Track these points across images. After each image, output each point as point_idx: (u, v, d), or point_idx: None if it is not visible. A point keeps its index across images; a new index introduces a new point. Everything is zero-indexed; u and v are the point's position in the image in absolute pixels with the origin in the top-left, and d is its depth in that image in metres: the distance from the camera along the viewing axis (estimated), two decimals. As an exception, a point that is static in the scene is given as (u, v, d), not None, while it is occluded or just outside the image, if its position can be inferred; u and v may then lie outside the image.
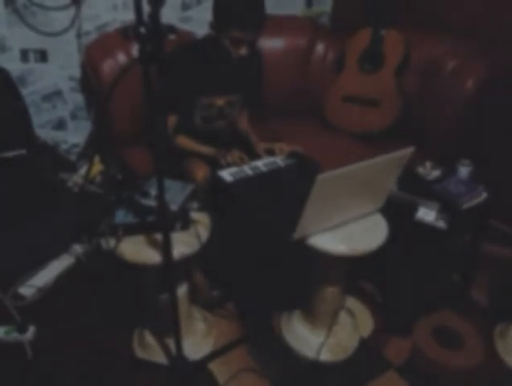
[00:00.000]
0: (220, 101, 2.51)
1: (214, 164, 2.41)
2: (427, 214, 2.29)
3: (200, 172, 2.35)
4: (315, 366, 2.26)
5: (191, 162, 2.44)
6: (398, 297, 2.55)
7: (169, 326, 1.95)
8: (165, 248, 1.69)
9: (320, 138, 3.10)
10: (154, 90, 1.46)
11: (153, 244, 1.87)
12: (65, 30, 2.86)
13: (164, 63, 1.39)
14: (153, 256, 1.84)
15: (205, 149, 2.48)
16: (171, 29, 1.44)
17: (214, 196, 2.29)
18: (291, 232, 1.87)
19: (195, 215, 2.01)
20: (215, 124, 2.59)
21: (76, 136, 3.25)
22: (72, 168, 2.93)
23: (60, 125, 3.19)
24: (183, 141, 2.49)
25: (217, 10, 2.26)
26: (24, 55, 2.87)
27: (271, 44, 3.16)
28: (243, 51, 2.25)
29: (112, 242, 1.88)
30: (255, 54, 2.49)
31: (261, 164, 2.44)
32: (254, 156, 2.52)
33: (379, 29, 2.98)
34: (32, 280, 2.61)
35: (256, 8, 2.21)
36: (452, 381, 2.27)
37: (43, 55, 2.92)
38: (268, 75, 2.73)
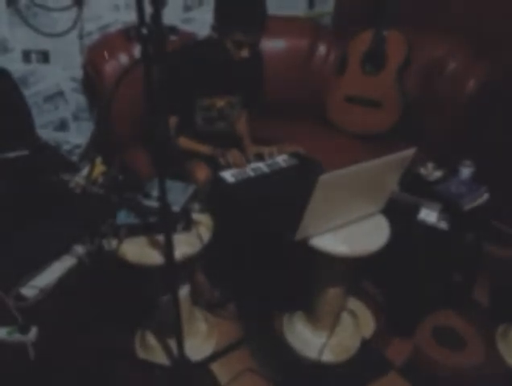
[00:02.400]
0: (220, 102, 2.52)
1: (215, 165, 2.41)
2: (428, 215, 2.30)
3: (201, 173, 2.36)
4: (317, 367, 2.26)
5: (192, 163, 2.44)
6: (399, 297, 2.55)
7: (171, 327, 1.95)
8: (167, 249, 1.69)
9: (322, 139, 3.10)
10: (156, 91, 1.46)
11: (155, 245, 1.87)
12: (67, 31, 2.86)
13: (165, 64, 1.39)
14: (155, 257, 1.84)
15: (203, 148, 2.48)
16: (173, 30, 1.44)
17: (215, 197, 2.29)
18: (293, 233, 1.87)
19: (197, 216, 2.01)
20: (216, 125, 2.59)
21: (78, 137, 3.25)
22: (74, 169, 2.92)
23: (62, 125, 3.19)
24: (182, 142, 2.50)
25: (219, 12, 2.26)
26: (26, 56, 2.88)
27: (273, 45, 3.16)
28: (245, 53, 2.25)
29: (114, 243, 1.88)
30: (255, 54, 2.49)
31: (263, 165, 2.44)
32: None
33: (381, 30, 2.98)
34: (34, 281, 2.61)
35: (258, 11, 2.21)
36: (453, 381, 2.27)
37: (45, 56, 2.92)
38: (270, 76, 2.73)
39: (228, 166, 2.38)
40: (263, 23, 2.23)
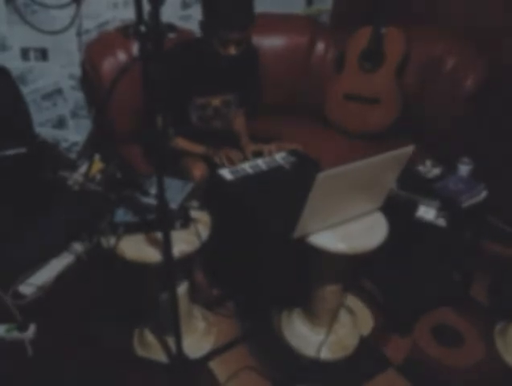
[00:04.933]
0: (215, 101, 2.51)
1: (212, 162, 2.41)
2: (427, 212, 2.30)
3: (198, 170, 2.35)
4: (316, 364, 2.26)
5: (188, 160, 2.44)
6: (397, 295, 2.55)
7: (169, 325, 1.95)
8: (165, 246, 1.69)
9: (320, 137, 3.10)
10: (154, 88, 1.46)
11: (153, 242, 1.87)
12: (65, 29, 2.86)
13: (161, 62, 1.39)
14: (153, 255, 1.84)
15: (198, 149, 2.48)
16: (171, 27, 1.44)
17: (212, 194, 2.29)
18: (291, 230, 1.87)
19: (195, 214, 2.01)
20: (212, 124, 2.58)
21: (76, 134, 3.25)
22: (73, 166, 2.93)
23: (61, 123, 3.19)
24: (179, 141, 2.49)
25: (205, 10, 2.25)
26: (24, 53, 2.87)
27: (271, 43, 3.16)
28: (232, 51, 2.23)
29: (112, 241, 1.88)
30: (250, 52, 2.48)
31: (261, 162, 2.44)
32: (244, 158, 2.51)
33: (380, 27, 2.98)
34: (32, 278, 2.61)
35: (243, 8, 2.19)
36: (451, 379, 2.28)
37: (43, 54, 2.91)
38: (268, 74, 2.73)
39: (222, 165, 2.38)
40: (248, 20, 2.22)
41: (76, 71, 3.04)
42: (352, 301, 2.59)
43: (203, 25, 2.28)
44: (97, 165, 2.77)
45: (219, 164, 2.39)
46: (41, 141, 2.95)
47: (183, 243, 1.89)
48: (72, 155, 3.24)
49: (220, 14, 2.16)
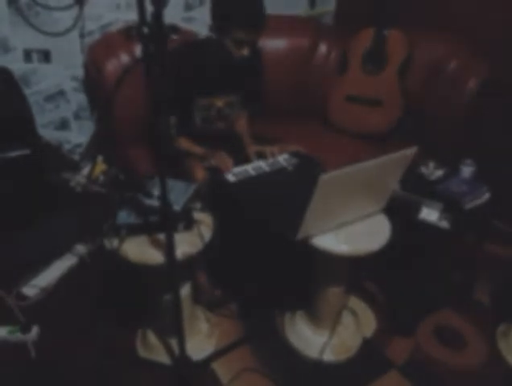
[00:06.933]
0: (219, 102, 2.51)
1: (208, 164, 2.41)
2: (429, 214, 2.29)
3: (199, 172, 2.36)
4: (318, 366, 2.26)
5: (190, 162, 2.44)
6: (400, 296, 2.55)
7: (172, 326, 1.95)
8: (168, 248, 1.69)
9: (323, 139, 3.10)
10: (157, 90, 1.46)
11: (156, 244, 1.87)
12: (68, 30, 2.86)
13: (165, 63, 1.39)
14: (156, 257, 1.84)
15: (197, 150, 2.49)
16: (174, 29, 1.44)
17: (214, 196, 2.28)
18: (294, 232, 1.87)
19: (198, 215, 2.01)
20: (215, 125, 2.58)
21: (79, 136, 3.26)
22: (75, 168, 2.93)
23: (63, 125, 3.19)
24: (181, 142, 2.49)
25: (218, 11, 2.26)
26: (27, 55, 2.88)
27: (274, 44, 3.16)
28: (245, 51, 2.25)
29: (115, 242, 1.88)
30: (255, 53, 2.48)
31: (263, 164, 2.44)
32: (246, 159, 2.51)
33: (382, 29, 2.98)
34: (35, 280, 2.61)
35: (257, 8, 2.21)
36: (454, 381, 2.27)
37: (46, 56, 2.92)
38: (270, 75, 2.73)
39: (217, 168, 2.38)
40: (262, 21, 2.23)
41: (79, 72, 3.04)
42: (354, 302, 2.58)
43: (215, 26, 2.28)
44: (100, 166, 2.77)
45: (214, 165, 2.39)
46: (44, 142, 2.95)
47: (186, 244, 1.89)
48: (75, 157, 3.25)
49: (236, 15, 2.18)
